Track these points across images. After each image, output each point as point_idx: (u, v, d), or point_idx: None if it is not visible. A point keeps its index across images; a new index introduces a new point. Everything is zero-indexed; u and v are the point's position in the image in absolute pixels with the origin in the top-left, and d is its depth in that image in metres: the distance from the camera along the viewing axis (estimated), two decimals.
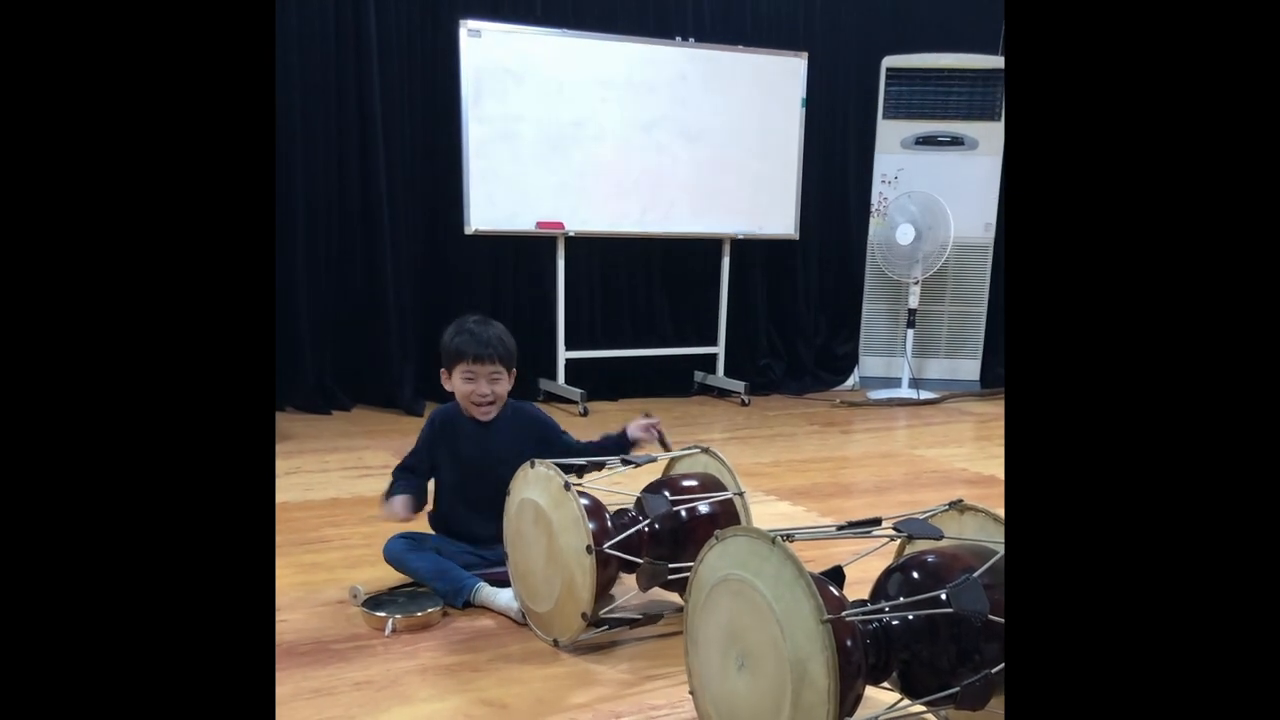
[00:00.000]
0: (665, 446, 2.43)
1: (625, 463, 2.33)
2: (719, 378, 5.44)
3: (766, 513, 3.10)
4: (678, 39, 5.03)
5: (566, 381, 4.96)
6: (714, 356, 5.46)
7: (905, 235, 5.33)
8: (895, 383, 5.64)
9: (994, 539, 1.66)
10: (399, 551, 2.38)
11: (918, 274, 5.44)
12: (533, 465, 2.14)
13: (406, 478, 2.41)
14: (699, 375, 5.53)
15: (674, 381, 5.47)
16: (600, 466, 2.30)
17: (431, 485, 2.46)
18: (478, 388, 2.37)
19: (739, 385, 5.28)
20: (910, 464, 4.04)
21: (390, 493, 2.37)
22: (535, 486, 2.12)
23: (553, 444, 2.41)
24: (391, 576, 2.39)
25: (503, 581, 2.29)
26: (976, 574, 1.55)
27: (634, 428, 2.43)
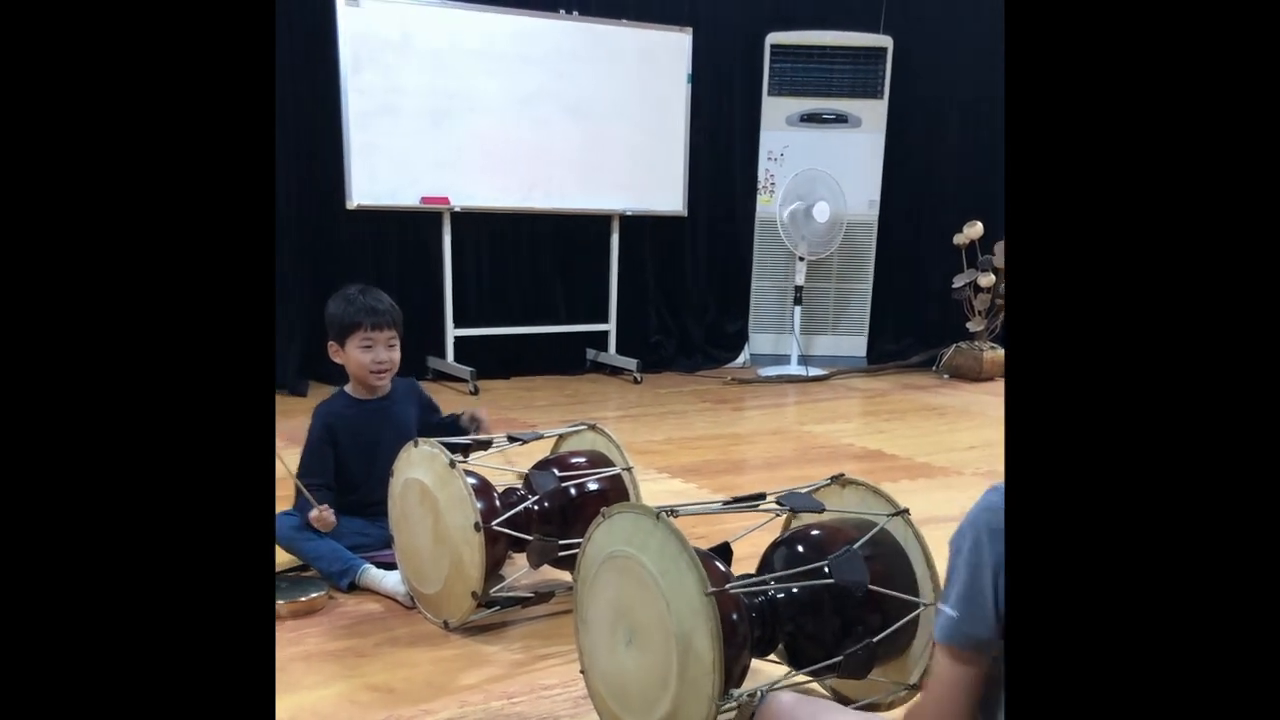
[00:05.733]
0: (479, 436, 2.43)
1: (511, 439, 2.31)
2: (611, 355, 5.44)
3: (659, 490, 3.12)
4: (561, 11, 4.98)
5: (456, 360, 4.91)
6: (605, 334, 5.46)
7: (822, 213, 5.37)
8: (784, 360, 5.71)
9: (874, 511, 1.69)
10: (286, 532, 2.32)
11: (811, 251, 5.49)
12: (416, 444, 2.11)
13: (324, 495, 2.33)
14: (591, 353, 5.53)
15: (566, 359, 5.45)
16: (486, 445, 2.28)
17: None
18: (376, 355, 2.35)
19: (631, 363, 5.28)
20: (799, 440, 4.09)
21: (302, 504, 2.32)
22: (420, 466, 2.09)
23: (426, 408, 2.51)
24: (277, 560, 2.33)
25: (390, 564, 2.26)
26: (856, 545, 1.58)
27: (466, 419, 2.49)
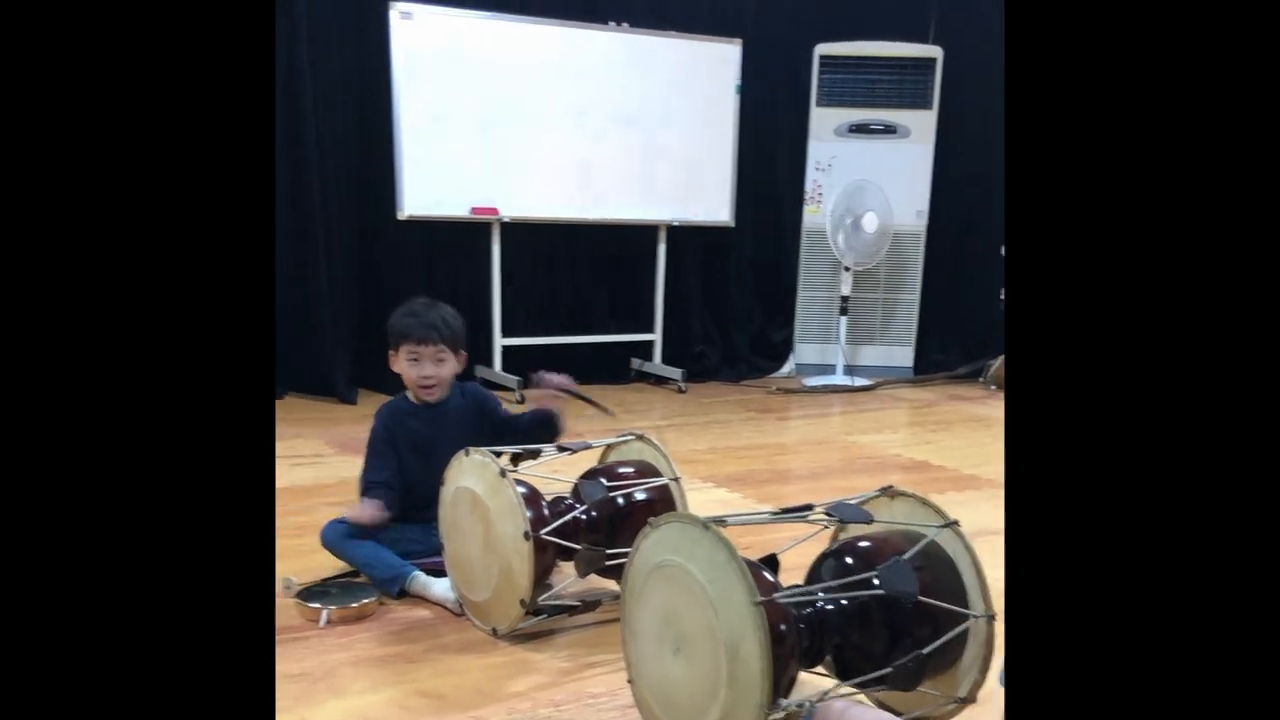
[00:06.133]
0: (589, 402, 2.43)
1: (561, 449, 2.33)
2: (656, 365, 5.45)
3: (703, 499, 3.12)
4: (611, 24, 5.02)
5: (503, 369, 4.94)
6: (650, 343, 5.47)
7: (871, 224, 5.35)
8: (830, 369, 5.69)
9: (923, 523, 1.69)
10: (336, 537, 2.36)
11: (858, 261, 5.47)
12: (468, 453, 2.13)
13: (379, 493, 2.36)
14: (636, 362, 5.54)
15: (611, 368, 5.46)
16: (535, 454, 2.30)
17: None
18: (421, 369, 2.36)
19: (676, 372, 5.29)
20: (845, 450, 4.08)
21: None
22: (471, 474, 2.11)
23: (494, 417, 2.47)
24: (326, 566, 2.37)
25: (439, 571, 2.28)
26: (906, 556, 1.58)
27: (547, 401, 2.45)
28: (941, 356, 5.95)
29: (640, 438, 2.36)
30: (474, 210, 4.72)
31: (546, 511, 2.11)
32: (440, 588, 2.25)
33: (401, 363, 2.38)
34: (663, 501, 2.20)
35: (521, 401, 4.69)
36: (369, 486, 2.35)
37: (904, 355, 5.90)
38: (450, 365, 2.41)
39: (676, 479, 2.24)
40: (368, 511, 2.29)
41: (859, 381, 5.52)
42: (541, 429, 2.42)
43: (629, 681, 1.71)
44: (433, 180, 4.60)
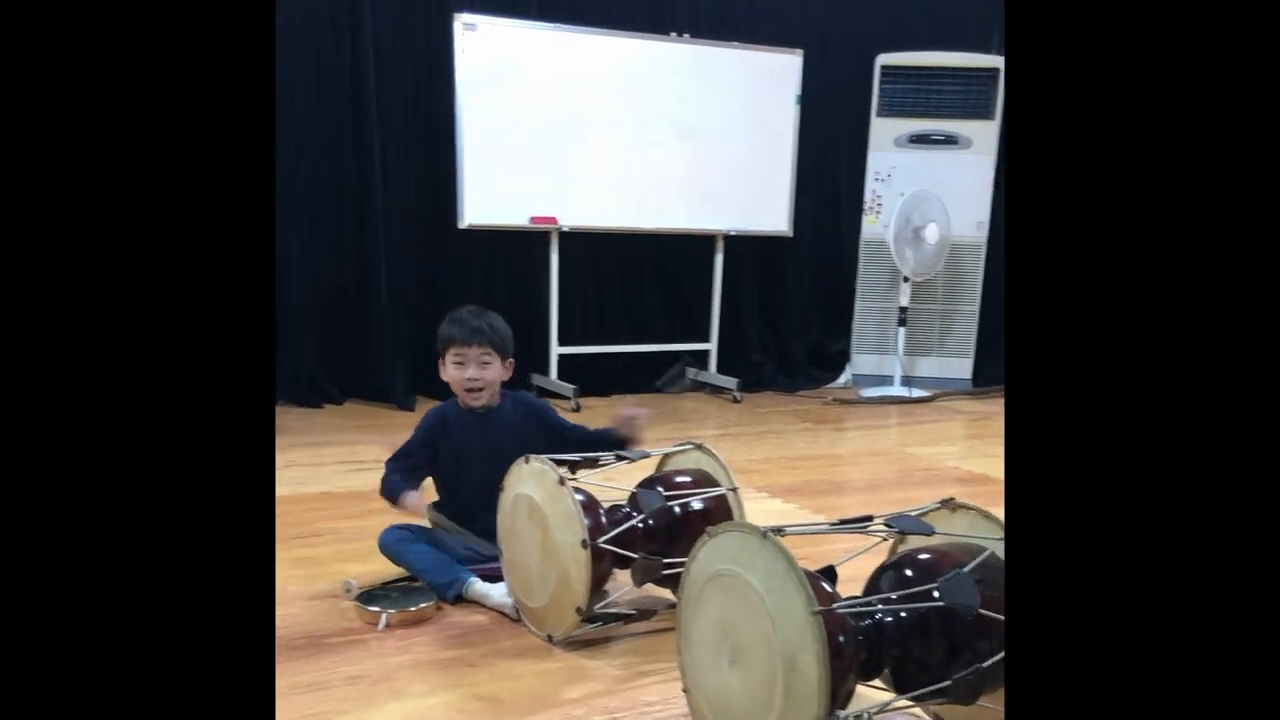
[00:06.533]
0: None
1: (619, 458, 2.34)
2: (711, 374, 5.45)
3: (758, 509, 3.11)
4: (673, 35, 5.03)
5: (559, 377, 4.97)
6: (706, 353, 5.47)
7: (932, 235, 5.32)
8: (887, 380, 5.65)
9: (985, 536, 1.67)
10: (394, 542, 2.39)
11: (917, 272, 5.44)
12: (527, 460, 2.15)
13: (401, 468, 2.41)
14: (691, 372, 5.54)
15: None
16: (594, 462, 2.31)
17: (428, 481, 2.46)
18: (466, 372, 2.37)
19: (731, 382, 5.28)
20: (902, 462, 4.05)
21: (389, 485, 2.38)
22: (530, 482, 2.13)
23: (549, 425, 2.47)
24: (385, 570, 2.40)
25: (495, 576, 2.30)
26: (967, 569, 1.57)
27: (624, 425, 2.45)
28: (1000, 369, 5.88)
29: (699, 447, 2.36)
30: (533, 219, 4.75)
31: (604, 520, 2.12)
32: (498, 593, 2.27)
33: (448, 367, 2.40)
34: (720, 511, 2.20)
35: (576, 409, 4.71)
36: (390, 462, 2.40)
37: (962, 367, 5.84)
38: (496, 369, 2.40)
39: (735, 489, 2.24)
40: (410, 503, 2.32)
41: (916, 393, 5.48)
42: (612, 447, 2.41)
43: (684, 690, 1.71)
44: (493, 190, 4.64)
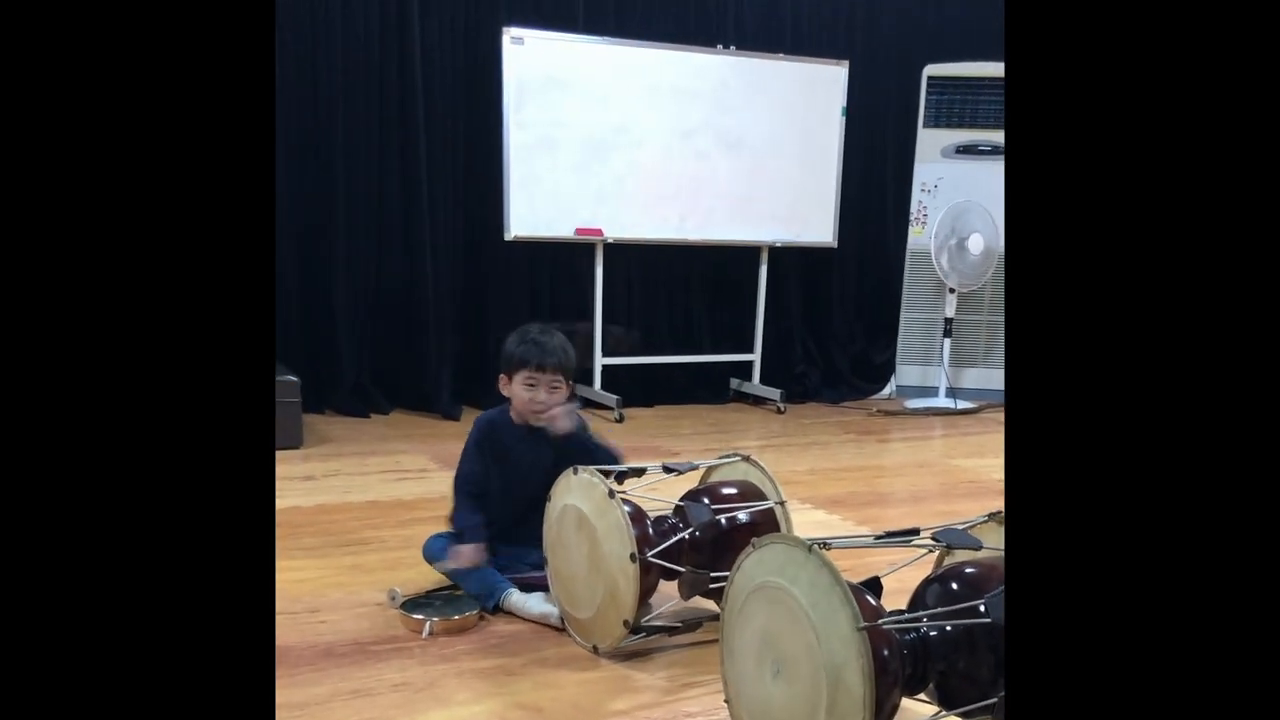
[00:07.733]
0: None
1: (666, 470, 2.34)
2: (755, 385, 5.43)
3: (801, 521, 3.09)
4: (719, 47, 5.04)
5: (603, 388, 4.98)
6: (750, 364, 5.46)
7: (976, 245, 5.29)
8: (932, 392, 5.61)
9: None
10: (438, 551, 2.41)
11: (962, 283, 5.40)
12: (575, 472, 2.16)
13: (470, 507, 2.41)
14: (735, 382, 5.53)
15: (710, 388, 5.47)
16: (640, 473, 2.31)
17: None
18: (536, 395, 2.39)
19: (775, 393, 5.27)
20: (946, 474, 4.02)
21: (457, 521, 2.40)
22: (578, 493, 2.13)
23: (582, 441, 2.44)
24: (430, 579, 2.42)
25: (533, 586, 2.31)
26: None
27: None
28: None
29: (746, 459, 2.35)
30: (579, 231, 4.77)
31: (651, 532, 2.12)
32: (536, 604, 2.27)
33: (515, 387, 2.41)
34: (768, 524, 2.19)
35: (620, 420, 4.72)
36: (467, 530, 2.38)
37: None
38: (562, 394, 2.43)
39: (782, 502, 2.23)
40: (467, 555, 2.32)
41: (961, 404, 5.43)
42: (611, 462, 2.42)
43: (725, 701, 1.71)
44: (539, 201, 4.67)
